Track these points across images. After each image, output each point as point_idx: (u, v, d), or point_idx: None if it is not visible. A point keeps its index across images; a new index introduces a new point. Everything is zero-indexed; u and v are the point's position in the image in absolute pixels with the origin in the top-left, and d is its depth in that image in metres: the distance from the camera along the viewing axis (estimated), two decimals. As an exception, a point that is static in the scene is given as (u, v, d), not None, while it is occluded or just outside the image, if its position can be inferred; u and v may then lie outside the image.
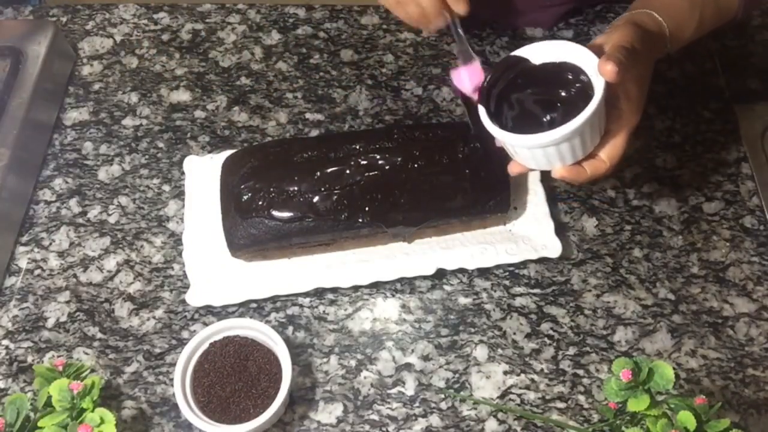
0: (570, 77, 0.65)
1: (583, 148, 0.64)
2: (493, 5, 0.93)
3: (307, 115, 0.91)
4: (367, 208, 0.74)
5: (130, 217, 0.84)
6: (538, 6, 0.96)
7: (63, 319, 0.77)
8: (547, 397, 0.73)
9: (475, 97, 0.71)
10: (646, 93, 0.68)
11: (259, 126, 0.90)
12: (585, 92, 0.63)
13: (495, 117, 0.66)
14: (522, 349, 0.76)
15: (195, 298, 0.76)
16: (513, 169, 0.70)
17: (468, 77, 0.71)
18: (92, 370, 0.74)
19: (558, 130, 0.61)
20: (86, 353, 0.75)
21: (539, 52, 0.67)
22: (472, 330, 0.77)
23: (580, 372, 0.74)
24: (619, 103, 0.65)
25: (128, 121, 0.91)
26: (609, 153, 0.66)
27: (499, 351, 0.76)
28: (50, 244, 0.82)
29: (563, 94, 0.65)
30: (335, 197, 0.74)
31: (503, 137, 0.64)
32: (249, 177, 0.75)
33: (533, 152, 0.64)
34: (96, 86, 0.94)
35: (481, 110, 0.66)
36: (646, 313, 0.78)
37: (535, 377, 0.74)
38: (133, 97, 0.93)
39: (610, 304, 0.78)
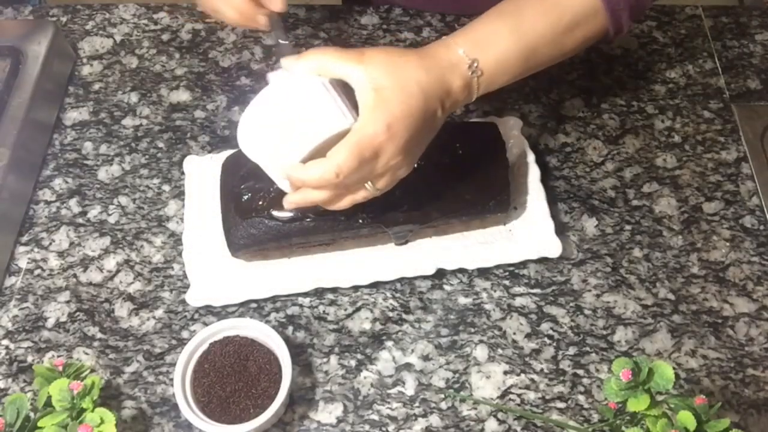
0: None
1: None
2: None
3: (307, 115, 0.91)
4: (367, 208, 0.74)
5: (130, 217, 0.84)
6: None
7: (63, 319, 0.77)
8: (547, 397, 0.73)
9: None
10: (403, 110, 0.59)
11: (259, 126, 0.90)
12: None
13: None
14: (522, 349, 0.76)
15: (195, 298, 0.76)
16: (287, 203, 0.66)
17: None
18: (92, 370, 0.74)
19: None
20: (86, 353, 0.75)
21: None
22: (472, 330, 0.77)
23: (580, 372, 0.74)
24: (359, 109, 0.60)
25: (128, 121, 0.91)
26: (332, 152, 0.59)
27: (499, 351, 0.76)
28: (50, 244, 0.82)
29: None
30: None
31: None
32: (249, 177, 0.75)
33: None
34: (96, 86, 0.94)
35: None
36: (646, 313, 0.78)
37: (535, 377, 0.74)
38: (133, 97, 0.93)
39: (610, 304, 0.78)
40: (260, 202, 0.74)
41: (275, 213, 0.74)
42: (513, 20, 0.65)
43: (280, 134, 0.61)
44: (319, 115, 0.60)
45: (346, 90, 0.62)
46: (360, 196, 0.64)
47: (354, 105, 0.61)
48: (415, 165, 0.75)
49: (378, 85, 0.59)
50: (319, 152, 0.60)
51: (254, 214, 0.74)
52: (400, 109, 0.59)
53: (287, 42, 0.73)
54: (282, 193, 0.74)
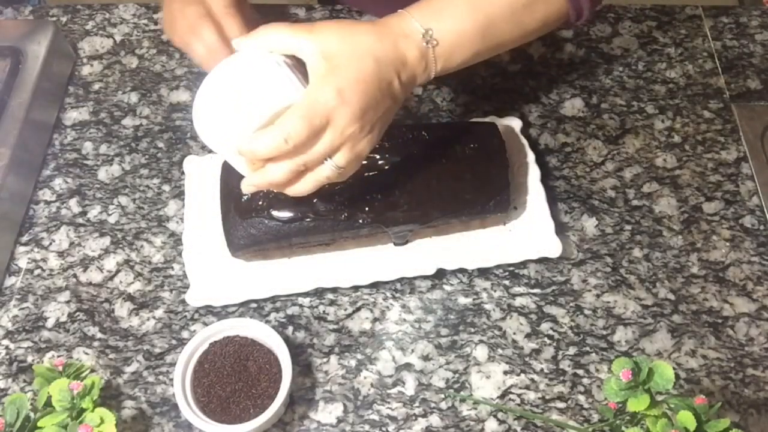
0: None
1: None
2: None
3: (307, 115, 0.91)
4: (367, 208, 0.74)
5: (130, 217, 0.84)
6: None
7: (63, 319, 0.77)
8: (547, 397, 0.73)
9: None
10: (354, 76, 0.58)
11: (259, 126, 0.90)
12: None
13: None
14: (522, 349, 0.76)
15: (195, 298, 0.76)
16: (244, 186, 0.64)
17: None
18: (92, 370, 0.74)
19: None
20: (86, 353, 0.75)
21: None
22: (472, 330, 0.77)
23: (580, 372, 0.74)
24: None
25: (128, 121, 0.91)
26: (280, 119, 0.58)
27: (499, 351, 0.76)
28: (50, 244, 0.82)
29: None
30: (335, 197, 0.74)
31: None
32: None
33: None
34: (96, 86, 0.94)
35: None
36: (646, 313, 0.78)
37: (535, 377, 0.74)
38: (133, 97, 0.93)
39: (610, 304, 0.78)
40: (260, 202, 0.74)
41: (275, 213, 0.74)
42: None
43: (231, 112, 0.60)
44: (270, 89, 0.59)
45: (299, 66, 0.60)
46: (323, 175, 0.61)
47: (308, 79, 0.60)
48: (416, 165, 0.76)
49: (328, 53, 0.58)
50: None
51: (254, 214, 0.74)
52: (352, 74, 0.58)
53: None
54: (282, 194, 0.74)
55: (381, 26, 0.61)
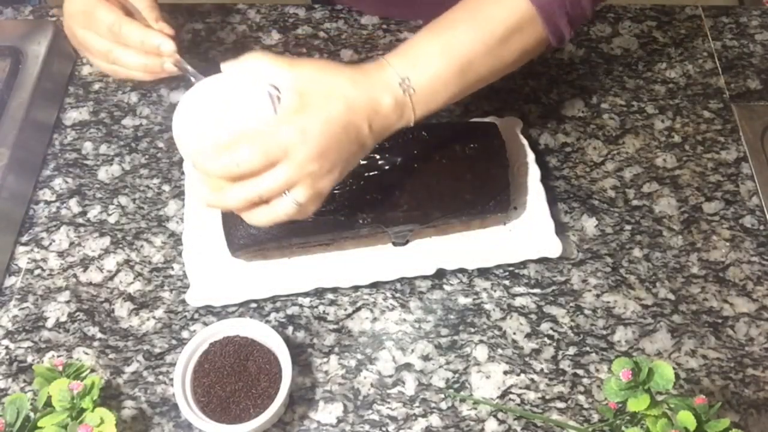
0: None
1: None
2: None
3: (307, 115, 0.91)
4: (367, 208, 0.74)
5: (130, 217, 0.84)
6: None
7: (63, 319, 0.77)
8: (547, 397, 0.73)
9: None
10: (325, 134, 0.59)
11: (259, 126, 0.90)
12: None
13: None
14: (522, 349, 0.76)
15: (195, 298, 0.76)
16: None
17: None
18: (92, 370, 0.74)
19: None
20: (86, 353, 0.75)
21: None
22: (472, 330, 0.77)
23: (580, 372, 0.74)
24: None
25: (128, 121, 0.91)
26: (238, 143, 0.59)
27: (499, 351, 0.76)
28: (50, 244, 0.82)
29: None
30: (335, 197, 0.74)
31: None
32: None
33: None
34: (96, 86, 0.94)
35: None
36: (646, 313, 0.78)
37: (535, 377, 0.74)
38: (133, 97, 0.93)
39: (610, 304, 0.78)
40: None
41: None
42: (445, 37, 0.64)
43: (203, 124, 0.61)
44: (243, 109, 0.60)
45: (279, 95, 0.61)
46: (281, 210, 0.61)
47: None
48: (416, 165, 0.76)
49: (302, 89, 0.59)
50: None
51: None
52: (320, 114, 0.59)
53: (200, 76, 0.73)
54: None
55: (359, 72, 0.62)
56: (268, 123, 0.59)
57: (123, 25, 0.69)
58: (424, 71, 0.63)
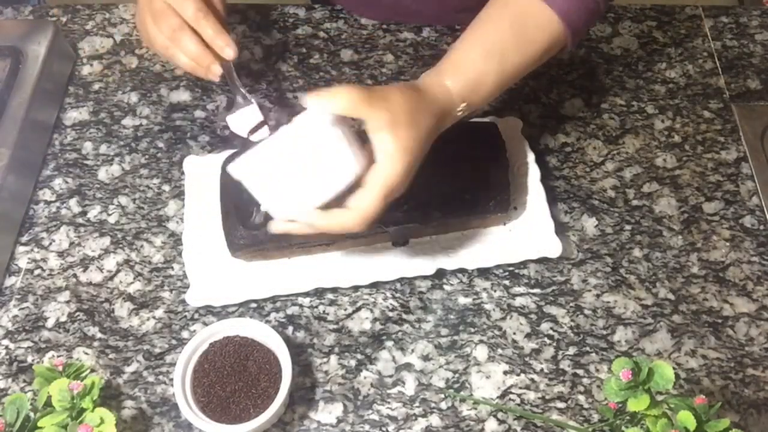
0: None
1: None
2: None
3: (307, 115, 0.91)
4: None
5: (130, 217, 0.84)
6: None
7: (63, 319, 0.77)
8: (547, 397, 0.73)
9: (253, 140, 0.74)
10: (417, 157, 0.62)
11: (259, 126, 0.90)
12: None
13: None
14: (522, 349, 0.76)
15: (195, 298, 0.76)
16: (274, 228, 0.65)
17: (244, 120, 0.74)
18: (92, 370, 0.74)
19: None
20: (86, 353, 0.75)
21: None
22: (472, 330, 0.77)
23: (580, 372, 0.74)
24: (377, 156, 0.61)
25: (128, 121, 0.91)
26: (356, 202, 0.61)
27: (499, 351, 0.76)
28: (50, 244, 0.82)
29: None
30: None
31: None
32: None
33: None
34: (96, 86, 0.94)
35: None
36: (646, 313, 0.78)
37: (535, 377, 0.74)
38: (133, 97, 0.93)
39: (610, 304, 0.78)
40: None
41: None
42: (498, 63, 0.68)
43: (291, 180, 0.61)
44: (334, 168, 0.61)
45: (358, 131, 0.62)
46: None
47: (362, 144, 0.62)
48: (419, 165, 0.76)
49: (399, 135, 0.61)
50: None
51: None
52: (416, 156, 0.62)
53: (244, 93, 0.75)
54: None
55: (435, 105, 0.65)
56: (357, 176, 0.61)
57: (206, 15, 0.70)
58: (479, 96, 0.68)
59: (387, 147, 0.60)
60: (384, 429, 0.71)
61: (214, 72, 0.72)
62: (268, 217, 0.65)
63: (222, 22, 0.72)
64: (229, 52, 0.71)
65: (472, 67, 0.67)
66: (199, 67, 0.71)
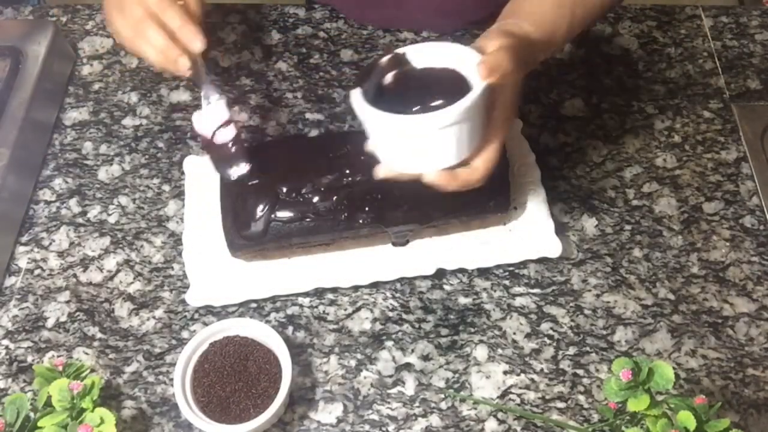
0: (450, 82, 0.61)
1: (458, 149, 0.59)
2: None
3: (307, 115, 0.91)
4: (367, 208, 0.74)
5: (130, 217, 0.84)
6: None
7: (63, 319, 0.77)
8: (547, 397, 0.73)
9: (217, 140, 0.70)
10: (518, 101, 0.64)
11: (259, 126, 0.90)
12: (464, 96, 0.59)
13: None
14: (522, 349, 0.76)
15: (195, 298, 0.76)
16: (379, 173, 0.63)
17: (209, 118, 0.69)
18: (92, 370, 0.74)
19: (437, 113, 0.56)
20: (86, 353, 0.75)
21: (421, 54, 0.63)
22: (472, 330, 0.77)
23: (580, 372, 0.74)
24: (494, 112, 0.62)
25: (128, 121, 0.91)
26: (483, 159, 0.62)
27: (499, 351, 0.76)
28: (50, 244, 0.82)
29: (442, 97, 0.60)
30: (335, 197, 0.74)
31: (380, 119, 0.58)
32: (249, 177, 0.75)
33: (403, 143, 0.59)
34: (96, 86, 0.94)
35: (356, 93, 0.60)
36: (646, 313, 0.78)
37: (535, 377, 0.74)
38: (133, 97, 0.93)
39: (610, 304, 0.78)
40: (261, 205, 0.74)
41: (275, 213, 0.74)
42: (569, 17, 0.69)
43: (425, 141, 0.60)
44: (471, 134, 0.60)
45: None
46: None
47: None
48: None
49: (516, 89, 0.63)
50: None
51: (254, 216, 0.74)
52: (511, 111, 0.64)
53: (211, 89, 0.71)
54: (282, 194, 0.74)
55: (530, 57, 0.65)
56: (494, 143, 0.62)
57: (169, 7, 0.67)
58: (550, 50, 0.69)
59: (506, 99, 0.61)
60: (384, 429, 0.71)
61: (182, 65, 0.67)
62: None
63: (192, 15, 0.69)
64: (197, 43, 0.67)
65: (549, 20, 0.68)
66: (166, 60, 0.67)
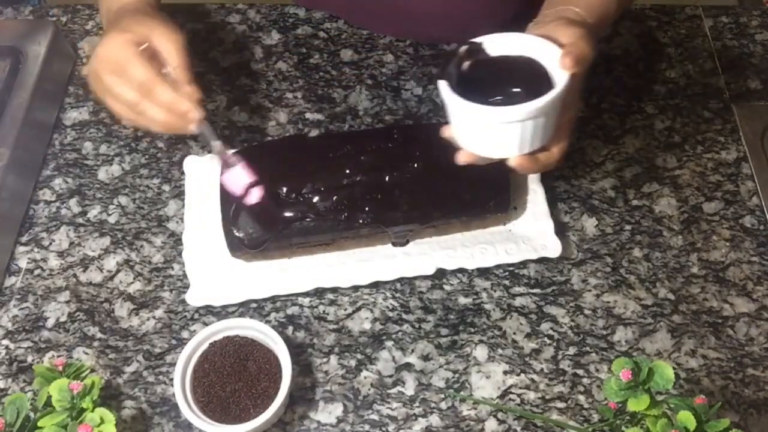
0: (528, 70, 0.64)
1: (543, 135, 0.62)
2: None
3: (307, 115, 0.91)
4: (367, 208, 0.74)
5: (130, 217, 0.84)
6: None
7: (63, 319, 0.77)
8: (547, 397, 0.73)
9: (248, 198, 0.72)
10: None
11: (259, 126, 0.90)
12: (544, 84, 0.62)
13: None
14: (522, 349, 0.76)
15: (195, 298, 0.76)
16: (462, 158, 0.66)
17: (235, 180, 0.71)
18: (92, 370, 0.74)
19: (530, 103, 0.58)
20: (86, 353, 0.75)
21: (496, 44, 0.65)
22: (472, 330, 0.77)
23: (580, 372, 0.74)
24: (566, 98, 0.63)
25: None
26: (557, 143, 0.65)
27: (499, 351, 0.76)
28: (50, 244, 0.82)
29: (522, 85, 0.63)
30: (335, 197, 0.74)
31: (470, 109, 0.60)
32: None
33: (492, 131, 0.61)
34: (96, 86, 0.94)
35: (443, 84, 0.62)
36: (646, 313, 0.78)
37: (535, 377, 0.74)
38: (133, 97, 0.93)
39: (610, 304, 0.78)
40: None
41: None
42: (616, 4, 0.72)
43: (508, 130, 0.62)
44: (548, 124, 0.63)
45: None
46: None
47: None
48: (416, 165, 0.76)
49: (582, 77, 0.65)
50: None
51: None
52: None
53: (218, 141, 0.72)
54: (282, 194, 0.74)
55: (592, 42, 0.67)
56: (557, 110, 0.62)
57: (156, 86, 0.67)
58: (599, 36, 0.70)
59: (576, 85, 0.63)
60: (384, 429, 0.71)
61: (194, 117, 0.68)
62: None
63: (182, 74, 0.69)
64: (195, 114, 0.68)
65: (599, 6, 0.70)
66: (174, 118, 0.68)
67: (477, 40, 0.65)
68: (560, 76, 0.61)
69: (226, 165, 0.72)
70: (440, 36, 0.96)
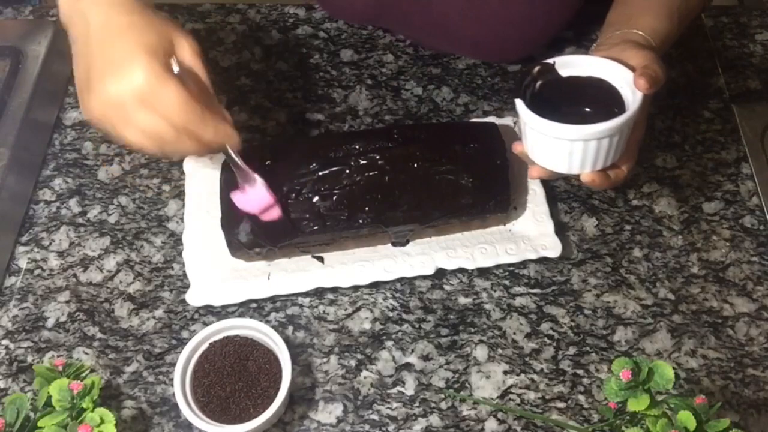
0: (599, 90, 0.66)
1: (615, 152, 0.65)
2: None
3: (307, 115, 0.91)
4: (367, 208, 0.75)
5: (130, 217, 0.84)
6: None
7: (63, 319, 0.77)
8: (547, 397, 0.73)
9: (264, 216, 0.72)
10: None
11: (259, 126, 0.90)
12: (615, 104, 0.65)
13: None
14: (522, 349, 0.76)
15: (195, 298, 0.76)
16: (535, 173, 0.69)
17: (254, 199, 0.71)
18: (92, 370, 0.74)
19: (609, 122, 0.61)
20: (86, 353, 0.75)
21: (566, 64, 0.68)
22: (472, 330, 0.77)
23: (580, 372, 0.74)
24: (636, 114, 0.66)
25: (128, 121, 0.91)
26: (626, 162, 0.68)
27: (499, 351, 0.76)
28: (50, 244, 0.82)
29: (594, 105, 0.66)
30: (335, 197, 0.74)
31: (548, 127, 0.63)
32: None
33: (569, 149, 0.63)
34: (96, 86, 0.94)
35: (519, 102, 0.64)
36: (646, 313, 0.78)
37: (535, 377, 0.74)
38: (133, 97, 0.93)
39: (610, 304, 0.78)
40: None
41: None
42: (678, 25, 0.74)
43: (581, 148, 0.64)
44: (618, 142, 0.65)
45: None
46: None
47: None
48: (416, 165, 0.76)
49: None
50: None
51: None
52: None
53: (244, 167, 0.70)
54: (282, 194, 0.74)
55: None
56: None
57: (203, 110, 0.59)
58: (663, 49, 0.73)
59: (646, 107, 0.65)
60: (384, 429, 0.71)
61: (235, 143, 0.65)
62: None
63: (211, 98, 0.66)
64: (236, 140, 0.65)
65: (665, 32, 0.72)
66: (212, 147, 0.63)
67: (549, 60, 0.68)
68: (631, 96, 0.64)
69: (245, 181, 0.71)
70: (476, 58, 0.97)
